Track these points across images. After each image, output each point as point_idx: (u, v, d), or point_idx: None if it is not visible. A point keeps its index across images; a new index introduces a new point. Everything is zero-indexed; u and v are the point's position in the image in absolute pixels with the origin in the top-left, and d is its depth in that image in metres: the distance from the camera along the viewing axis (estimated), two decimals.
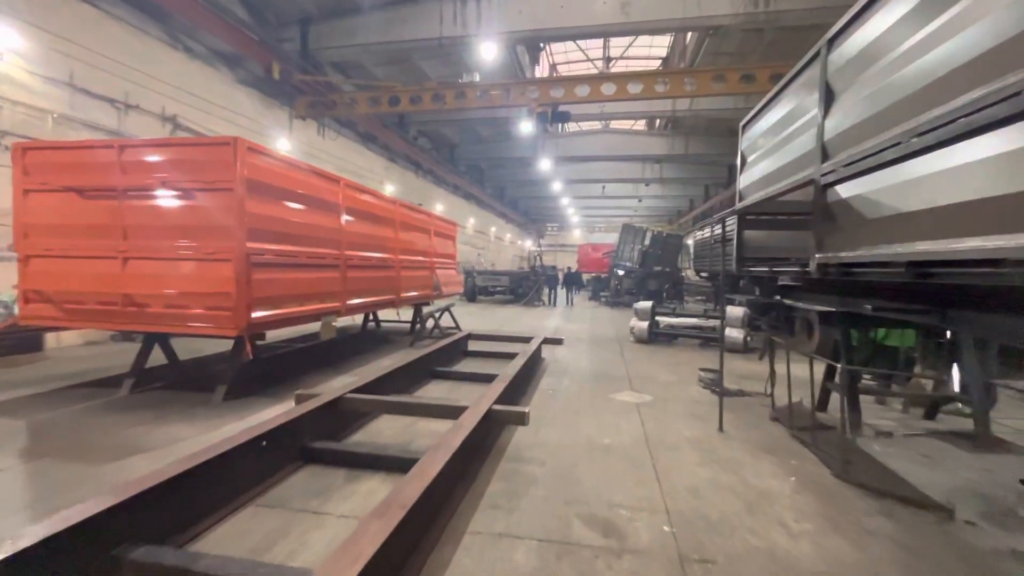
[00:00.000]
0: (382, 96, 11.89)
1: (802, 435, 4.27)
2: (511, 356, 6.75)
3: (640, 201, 34.46)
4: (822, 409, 5.15)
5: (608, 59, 20.34)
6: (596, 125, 22.49)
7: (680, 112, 16.03)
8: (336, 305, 5.73)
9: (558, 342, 7.64)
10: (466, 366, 6.97)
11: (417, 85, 12.27)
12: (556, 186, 28.73)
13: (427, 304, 10.48)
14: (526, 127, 17.06)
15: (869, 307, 3.20)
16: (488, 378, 5.69)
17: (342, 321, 10.61)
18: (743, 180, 5.47)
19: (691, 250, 21.32)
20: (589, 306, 19.80)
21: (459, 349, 7.57)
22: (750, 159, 5.38)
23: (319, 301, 5.40)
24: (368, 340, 8.90)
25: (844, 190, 3.19)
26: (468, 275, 20.33)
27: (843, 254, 3.10)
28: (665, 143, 21.55)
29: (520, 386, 5.56)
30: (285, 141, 12.47)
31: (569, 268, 22.87)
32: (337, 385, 5.16)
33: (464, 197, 26.97)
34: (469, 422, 3.34)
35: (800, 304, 5.21)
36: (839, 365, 4.52)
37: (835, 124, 3.29)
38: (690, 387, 6.04)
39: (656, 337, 9.76)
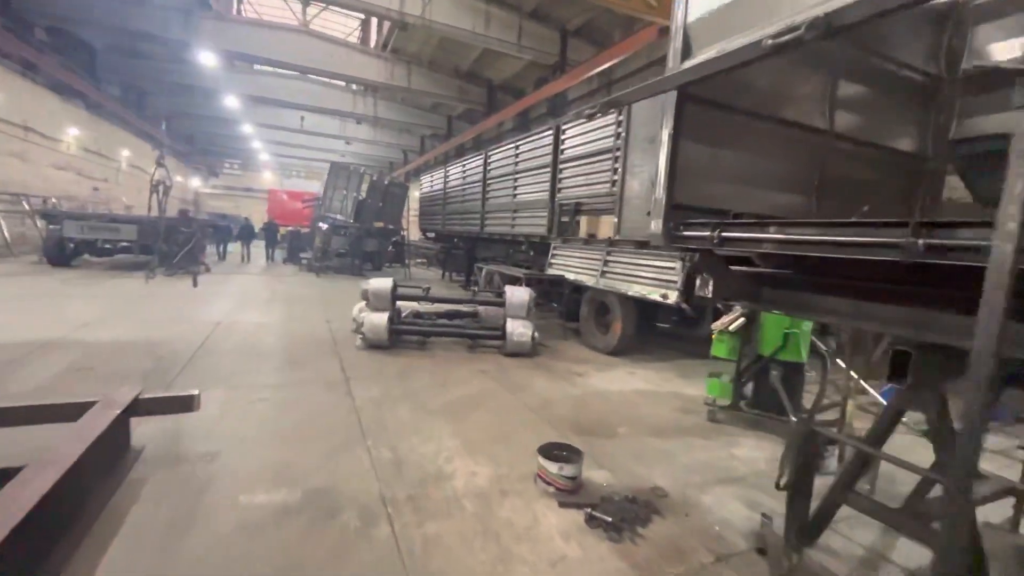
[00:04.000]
0: None
1: None
2: None
3: (348, 144, 29.10)
4: (808, 538, 2.50)
5: None
6: (291, 18, 16.18)
7: (410, 17, 12.08)
8: None
9: (186, 405, 2.90)
10: None
11: None
12: (231, 102, 20.58)
13: None
14: None
15: None
16: None
17: None
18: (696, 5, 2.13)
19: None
20: (286, 272, 14.29)
21: None
22: None
23: None
24: None
25: None
26: (50, 220, 11.63)
27: None
28: (383, 68, 17.22)
29: None
30: None
31: (247, 218, 16.43)
32: None
33: (54, 90, 15.90)
34: None
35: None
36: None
37: None
38: (542, 514, 2.56)
39: (400, 337, 6.00)
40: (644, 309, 6.05)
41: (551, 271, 7.41)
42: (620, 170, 5.94)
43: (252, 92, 20.04)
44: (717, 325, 3.99)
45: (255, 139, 30.03)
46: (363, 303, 6.19)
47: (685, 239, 2.16)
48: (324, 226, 15.07)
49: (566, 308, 7.00)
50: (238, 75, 19.41)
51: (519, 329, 5.76)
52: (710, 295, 2.26)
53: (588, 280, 6.51)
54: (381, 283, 5.95)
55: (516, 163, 9.02)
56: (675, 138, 2.19)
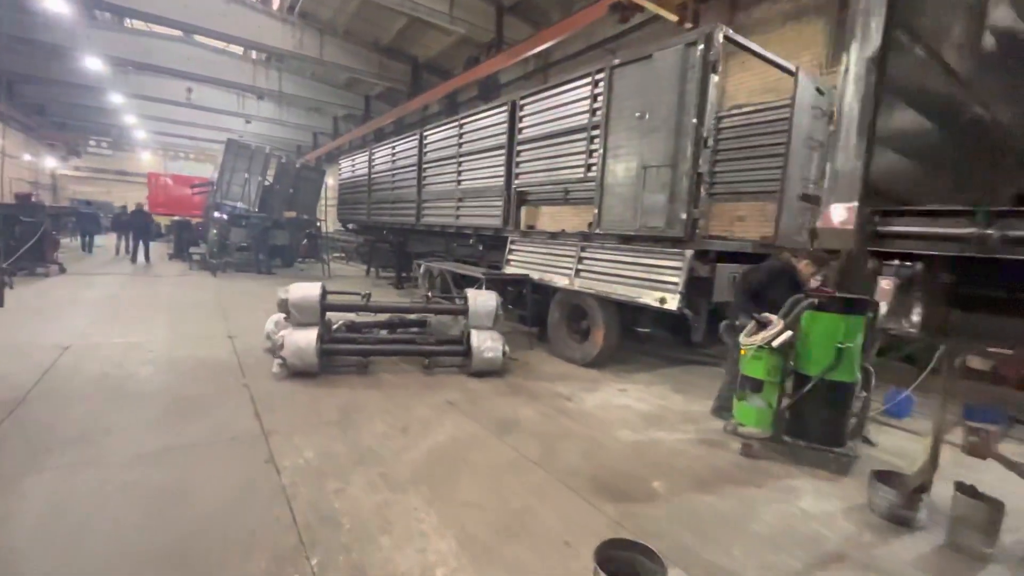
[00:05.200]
0: None
1: None
2: None
3: (248, 123, 25.59)
4: None
5: None
6: None
7: None
8: None
9: None
10: None
11: None
12: (94, 65, 16.94)
13: None
14: None
15: None
16: None
17: None
18: None
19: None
20: (172, 271, 11.88)
21: None
22: None
23: None
24: None
25: None
26: None
27: None
28: (290, 34, 14.96)
29: None
30: None
31: (123, 207, 13.65)
32: None
33: None
34: None
35: None
36: None
37: None
38: None
39: (330, 360, 4.68)
40: (624, 313, 5.25)
41: (510, 269, 6.40)
42: (601, 152, 5.06)
43: (122, 54, 16.57)
44: (755, 339, 3.23)
45: (129, 113, 25.45)
46: (280, 316, 4.78)
47: (902, 238, 1.26)
48: (222, 215, 12.75)
49: (530, 312, 6.03)
50: (102, 32, 15.98)
51: (488, 343, 4.69)
52: (915, 328, 1.41)
53: (559, 280, 5.59)
54: (306, 290, 4.57)
55: (460, 145, 7.85)
56: (879, 75, 1.28)
